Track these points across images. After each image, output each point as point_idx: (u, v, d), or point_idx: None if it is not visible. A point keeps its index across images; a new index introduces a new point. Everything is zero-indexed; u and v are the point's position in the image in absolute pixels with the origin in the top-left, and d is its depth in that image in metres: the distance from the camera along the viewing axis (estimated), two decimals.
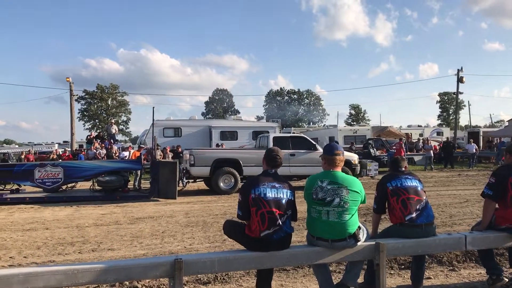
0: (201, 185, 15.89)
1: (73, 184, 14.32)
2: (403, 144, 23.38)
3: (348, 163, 14.52)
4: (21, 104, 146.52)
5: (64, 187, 13.75)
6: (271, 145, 14.52)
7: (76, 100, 32.02)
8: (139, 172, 16.06)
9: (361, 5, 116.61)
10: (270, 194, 3.87)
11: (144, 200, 12.82)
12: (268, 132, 24.94)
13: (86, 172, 13.69)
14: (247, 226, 3.98)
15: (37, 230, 8.64)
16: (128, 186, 14.41)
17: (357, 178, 14.54)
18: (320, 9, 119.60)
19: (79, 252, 6.78)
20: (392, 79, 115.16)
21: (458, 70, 32.68)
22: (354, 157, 15.68)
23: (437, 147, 28.79)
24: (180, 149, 20.00)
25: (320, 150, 14.85)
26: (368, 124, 48.86)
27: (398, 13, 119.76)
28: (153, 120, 16.02)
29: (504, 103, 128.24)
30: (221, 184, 14.02)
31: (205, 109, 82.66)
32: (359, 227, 4.06)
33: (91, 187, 14.08)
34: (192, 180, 15.28)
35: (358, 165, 15.56)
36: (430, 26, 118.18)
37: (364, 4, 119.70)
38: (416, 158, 25.77)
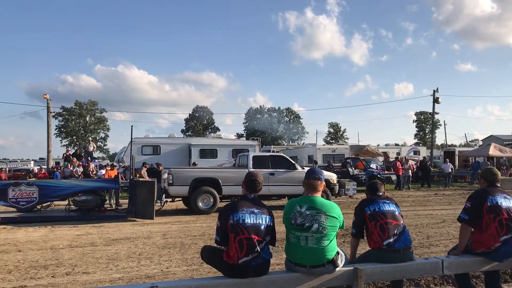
0: (179, 204, 15.72)
1: (48, 203, 13.98)
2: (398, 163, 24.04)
3: (326, 182, 14.54)
4: None
5: (39, 206, 13.41)
6: (250, 164, 14.51)
7: (53, 116, 31.50)
8: (116, 191, 15.83)
9: (337, 25, 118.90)
10: (249, 220, 3.84)
11: (121, 220, 12.59)
12: (248, 151, 24.98)
13: (62, 191, 13.33)
14: (225, 252, 3.93)
15: (9, 252, 8.38)
16: (105, 205, 14.16)
17: (336, 197, 14.59)
18: (296, 29, 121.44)
19: (53, 276, 6.59)
20: (368, 98, 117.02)
21: (434, 91, 33.36)
22: (333, 177, 15.74)
23: (414, 166, 29.18)
24: (161, 168, 19.83)
25: (299, 169, 14.93)
26: (347, 142, 49.38)
27: (374, 33, 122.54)
28: (131, 138, 15.87)
29: (478, 122, 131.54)
30: (200, 204, 13.88)
31: (185, 126, 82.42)
32: (338, 253, 4.06)
33: (67, 207, 13.78)
34: (170, 200, 15.11)
35: (337, 184, 15.63)
36: (404, 46, 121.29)
37: (340, 24, 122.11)
38: (394, 178, 26.03)
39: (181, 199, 15.07)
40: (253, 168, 14.07)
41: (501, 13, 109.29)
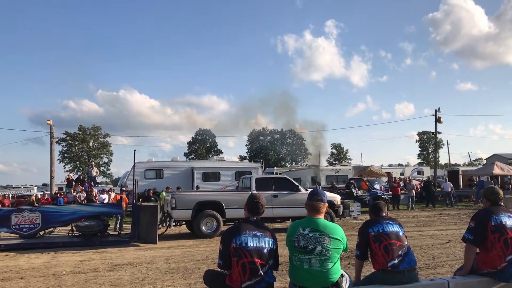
0: (182, 228, 15.63)
1: (51, 229, 13.93)
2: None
3: (330, 204, 14.52)
4: None
5: (41, 232, 13.36)
6: (253, 186, 14.48)
7: (56, 142, 31.66)
8: (119, 216, 15.80)
9: (336, 47, 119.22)
10: (252, 243, 3.81)
11: (124, 245, 12.52)
12: (251, 173, 24.97)
13: (65, 217, 13.30)
14: (228, 276, 3.90)
15: (11, 280, 8.32)
16: (108, 231, 14.10)
17: (340, 218, 14.51)
18: (295, 51, 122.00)
19: None
20: (369, 118, 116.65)
21: (436, 110, 33.35)
22: (336, 198, 15.67)
23: (418, 186, 29.08)
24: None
25: (303, 191, 14.87)
26: (350, 163, 49.31)
27: (373, 55, 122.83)
28: (134, 162, 15.91)
29: (480, 141, 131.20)
30: (203, 228, 13.80)
31: (187, 150, 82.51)
32: (342, 275, 4.01)
33: (70, 233, 13.72)
34: (174, 224, 15.05)
35: (341, 206, 15.53)
36: (404, 67, 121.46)
37: (339, 46, 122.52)
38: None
39: (184, 223, 15.00)
40: (256, 190, 14.02)
41: (498, 32, 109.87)
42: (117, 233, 14.84)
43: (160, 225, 14.34)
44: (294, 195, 14.53)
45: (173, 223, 15.10)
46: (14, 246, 12.22)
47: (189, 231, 14.78)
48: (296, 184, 15.30)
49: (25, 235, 12.82)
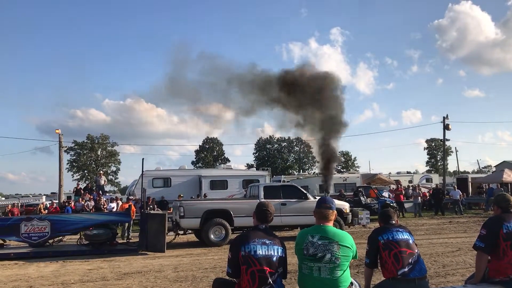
0: (190, 236, 15.61)
1: (59, 238, 13.98)
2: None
3: (339, 212, 14.44)
4: (7, 156, 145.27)
5: (50, 241, 13.41)
6: (262, 194, 14.45)
7: (65, 151, 31.87)
8: (127, 224, 15.84)
9: (341, 54, 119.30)
10: (261, 251, 3.80)
11: (133, 254, 12.53)
12: (258, 181, 24.90)
13: (74, 226, 13.39)
14: (237, 284, 3.88)
15: None
16: (116, 239, 14.12)
17: (349, 226, 14.41)
18: (301, 59, 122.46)
19: None
20: (376, 126, 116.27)
21: (444, 117, 33.16)
22: (345, 206, 15.60)
23: (427, 194, 28.87)
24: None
25: (311, 198, 14.83)
26: (358, 171, 49.09)
27: (379, 62, 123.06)
28: (142, 171, 15.95)
29: (489, 148, 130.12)
30: (212, 236, 13.78)
31: (195, 158, 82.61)
32: (352, 283, 3.99)
33: (78, 241, 13.77)
34: (182, 232, 15.04)
35: (350, 213, 15.45)
36: (410, 74, 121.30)
37: (344, 54, 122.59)
38: (407, 205, 25.74)
39: (192, 232, 14.98)
40: (265, 198, 14.00)
41: (505, 39, 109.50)
42: (125, 241, 14.85)
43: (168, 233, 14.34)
44: (303, 203, 14.48)
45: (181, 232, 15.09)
46: (23, 255, 12.27)
47: (197, 240, 14.75)
48: (305, 192, 15.25)
49: (34, 243, 12.88)
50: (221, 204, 14.75)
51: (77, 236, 13.99)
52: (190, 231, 14.94)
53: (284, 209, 14.27)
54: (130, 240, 14.82)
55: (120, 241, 14.86)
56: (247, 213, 13.10)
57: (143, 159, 15.44)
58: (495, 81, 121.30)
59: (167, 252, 12.44)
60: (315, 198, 15.11)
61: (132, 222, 16.33)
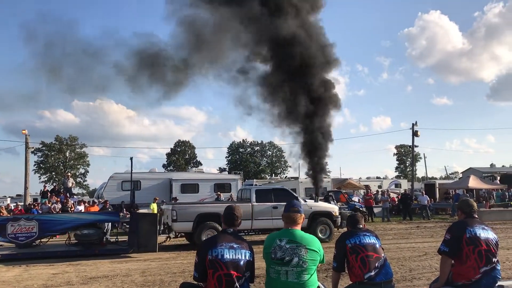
0: (159, 240, 15.39)
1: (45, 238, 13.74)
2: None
3: (328, 215, 14.66)
4: None
5: (37, 242, 13.20)
6: (254, 198, 14.55)
7: (32, 152, 31.05)
8: (108, 225, 15.64)
9: None
10: (228, 255, 3.76)
11: (123, 254, 12.57)
12: (230, 185, 24.88)
13: (62, 225, 13.27)
14: None
15: None
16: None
17: (338, 229, 14.53)
18: None
19: None
20: (347, 131, 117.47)
21: (413, 124, 33.84)
22: (334, 209, 15.82)
23: (396, 199, 29.39)
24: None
25: (302, 202, 15.03)
26: (329, 176, 49.51)
27: (350, 68, 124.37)
28: (132, 171, 15.93)
29: (456, 155, 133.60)
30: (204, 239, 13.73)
31: (166, 161, 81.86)
32: (319, 287, 3.99)
33: (67, 241, 13.60)
34: (173, 236, 14.93)
35: (339, 216, 15.58)
36: (380, 81, 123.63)
37: None
38: (376, 210, 26.15)
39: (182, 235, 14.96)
40: (256, 201, 14.18)
41: (471, 49, 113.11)
42: (114, 241, 14.64)
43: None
44: None
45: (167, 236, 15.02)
46: (11, 256, 12.05)
47: (166, 244, 14.58)
48: (295, 195, 15.46)
49: (21, 244, 12.65)
50: (213, 208, 14.79)
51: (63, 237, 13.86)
52: (177, 235, 14.90)
53: (276, 212, 14.27)
54: (113, 240, 14.63)
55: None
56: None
57: (131, 158, 15.54)
58: (462, 90, 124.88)
59: (134, 257, 12.26)
60: (305, 201, 15.39)
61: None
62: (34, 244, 13.03)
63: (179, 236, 14.96)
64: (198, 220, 13.84)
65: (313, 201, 16.26)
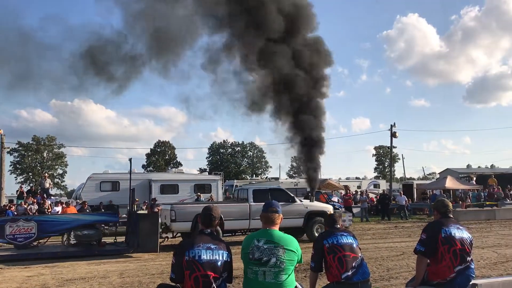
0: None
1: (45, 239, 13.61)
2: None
3: (323, 214, 14.81)
4: None
5: (35, 242, 13.05)
6: (251, 198, 14.57)
7: (8, 152, 30.44)
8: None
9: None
10: (205, 256, 3.74)
11: (124, 254, 12.57)
12: (210, 186, 24.82)
13: (61, 226, 13.21)
14: None
15: None
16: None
17: None
18: None
19: None
20: (327, 132, 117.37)
21: (391, 125, 34.33)
22: (329, 208, 15.93)
23: (374, 199, 29.70)
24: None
25: (298, 201, 15.12)
26: None
27: (330, 70, 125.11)
28: (130, 171, 15.82)
29: (434, 156, 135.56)
30: None
31: (146, 162, 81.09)
32: (296, 287, 4.00)
33: (65, 242, 13.55)
34: (171, 236, 14.93)
35: None
36: (360, 82, 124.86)
37: None
38: (354, 210, 26.38)
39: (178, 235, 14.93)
40: (253, 201, 14.23)
41: (448, 51, 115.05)
42: (113, 242, 14.47)
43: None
44: (290, 206, 14.73)
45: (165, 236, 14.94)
46: (11, 257, 11.91)
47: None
48: (292, 195, 15.53)
49: (20, 245, 12.51)
50: None
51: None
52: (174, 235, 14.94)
53: None
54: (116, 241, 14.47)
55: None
56: (237, 217, 13.76)
57: (130, 159, 15.41)
58: (440, 92, 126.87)
59: (113, 259, 12.12)
60: (301, 201, 15.58)
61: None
62: (32, 245, 12.94)
63: (176, 236, 14.95)
64: (196, 220, 13.79)
65: (309, 201, 16.45)
